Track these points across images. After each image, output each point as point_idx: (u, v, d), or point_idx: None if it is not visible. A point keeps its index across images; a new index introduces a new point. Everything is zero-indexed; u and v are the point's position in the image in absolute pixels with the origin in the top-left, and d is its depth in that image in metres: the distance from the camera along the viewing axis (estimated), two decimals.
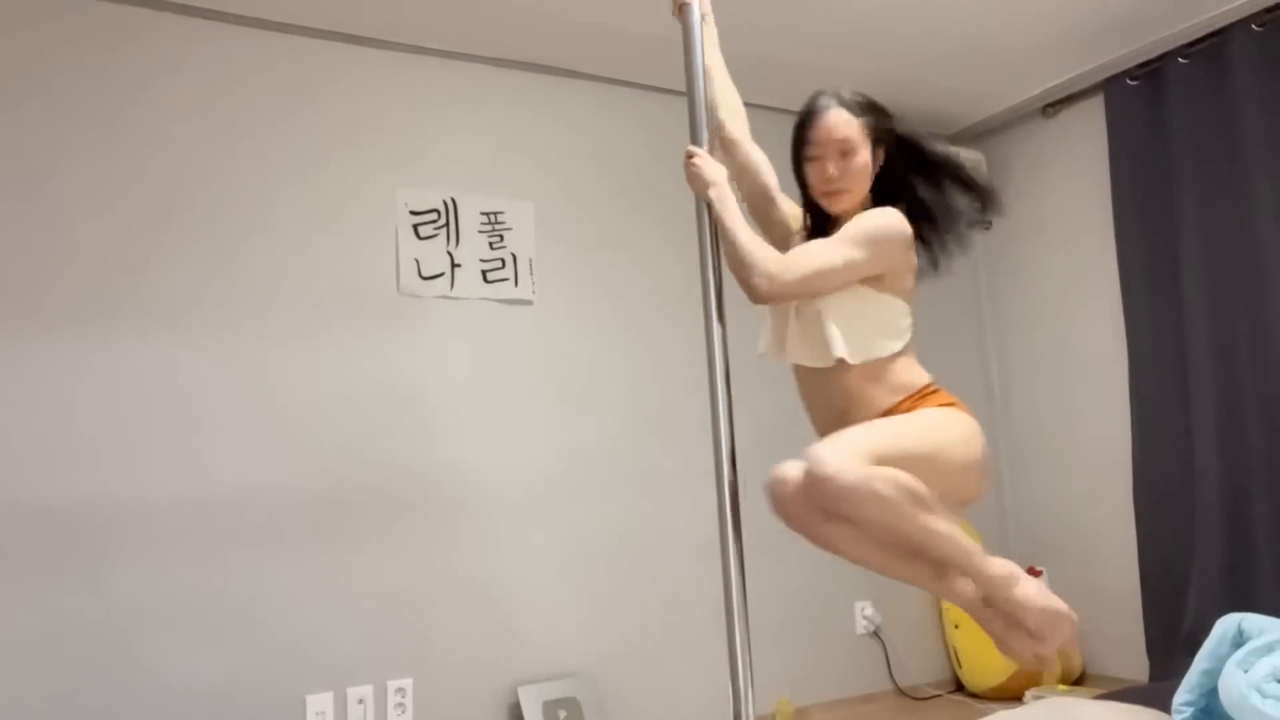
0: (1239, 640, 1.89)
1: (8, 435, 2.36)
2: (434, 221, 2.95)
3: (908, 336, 1.82)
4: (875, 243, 1.70)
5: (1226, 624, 1.94)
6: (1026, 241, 3.89)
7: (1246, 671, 1.78)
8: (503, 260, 3.04)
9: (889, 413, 1.74)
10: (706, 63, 1.89)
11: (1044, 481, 3.80)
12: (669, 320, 3.26)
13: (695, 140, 1.82)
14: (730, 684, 1.73)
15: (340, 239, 2.83)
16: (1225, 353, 3.07)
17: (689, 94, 1.85)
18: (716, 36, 1.97)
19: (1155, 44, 3.24)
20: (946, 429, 1.69)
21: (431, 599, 2.79)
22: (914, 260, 1.81)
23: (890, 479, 1.49)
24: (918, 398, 1.77)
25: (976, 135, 4.01)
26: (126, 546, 2.44)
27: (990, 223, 4.19)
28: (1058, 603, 1.56)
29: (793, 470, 1.61)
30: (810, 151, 1.80)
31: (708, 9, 1.95)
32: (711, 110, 1.91)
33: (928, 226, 1.82)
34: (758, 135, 3.78)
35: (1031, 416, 3.85)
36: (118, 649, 2.40)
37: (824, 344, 1.74)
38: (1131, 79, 3.37)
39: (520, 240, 3.07)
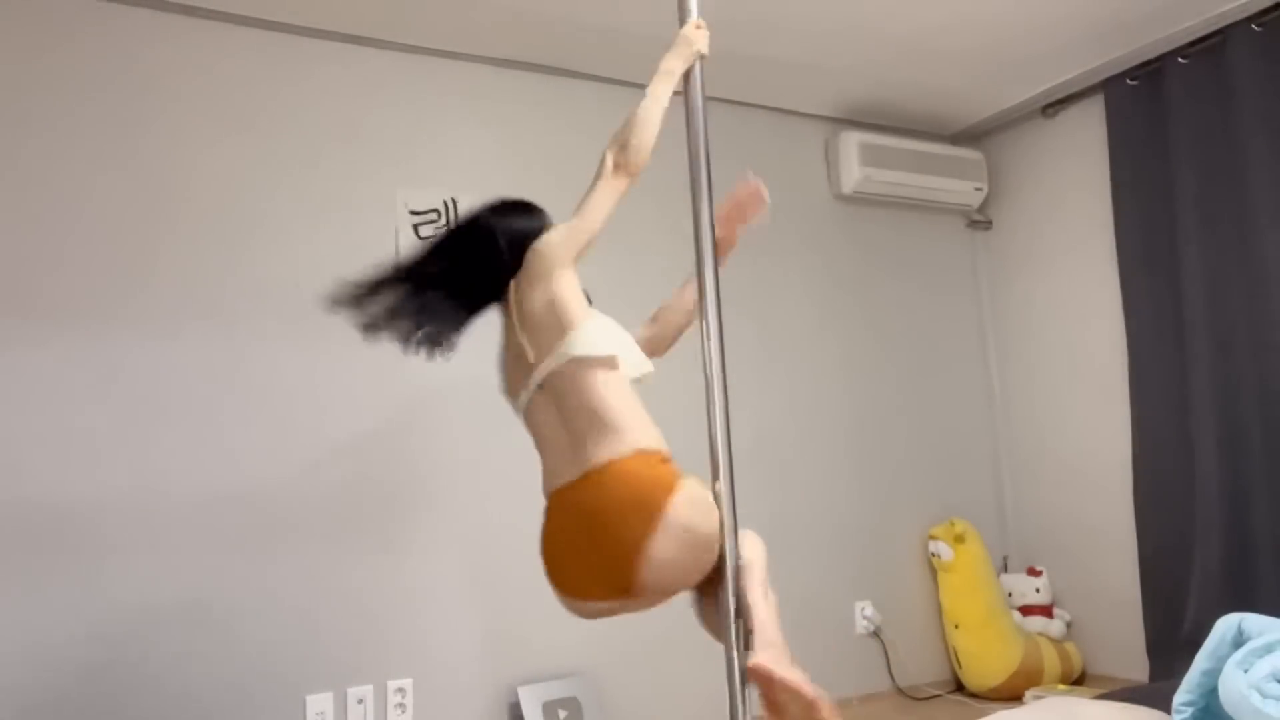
0: (1239, 640, 1.89)
1: (8, 435, 2.36)
2: (434, 221, 2.95)
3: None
4: None
5: (1226, 624, 1.93)
6: (1026, 241, 3.89)
7: (1246, 671, 1.78)
8: None
9: None
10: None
11: (1044, 482, 3.79)
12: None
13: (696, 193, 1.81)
14: (728, 684, 1.73)
15: (340, 239, 2.83)
16: (1225, 353, 3.07)
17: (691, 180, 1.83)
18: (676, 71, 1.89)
19: (1155, 44, 3.24)
20: None
21: (432, 599, 2.79)
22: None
23: None
24: None
25: (976, 135, 4.01)
26: (126, 546, 2.44)
27: (989, 222, 4.22)
28: None
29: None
30: None
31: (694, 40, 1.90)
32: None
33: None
34: (758, 135, 3.77)
35: (1032, 417, 3.85)
36: (117, 649, 2.40)
37: None
38: (1131, 79, 3.37)
39: None
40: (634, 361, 1.81)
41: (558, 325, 1.72)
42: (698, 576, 1.68)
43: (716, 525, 1.65)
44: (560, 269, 1.76)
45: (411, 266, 1.85)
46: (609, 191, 1.80)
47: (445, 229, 1.93)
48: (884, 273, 3.82)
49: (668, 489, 1.62)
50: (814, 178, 3.72)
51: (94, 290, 2.50)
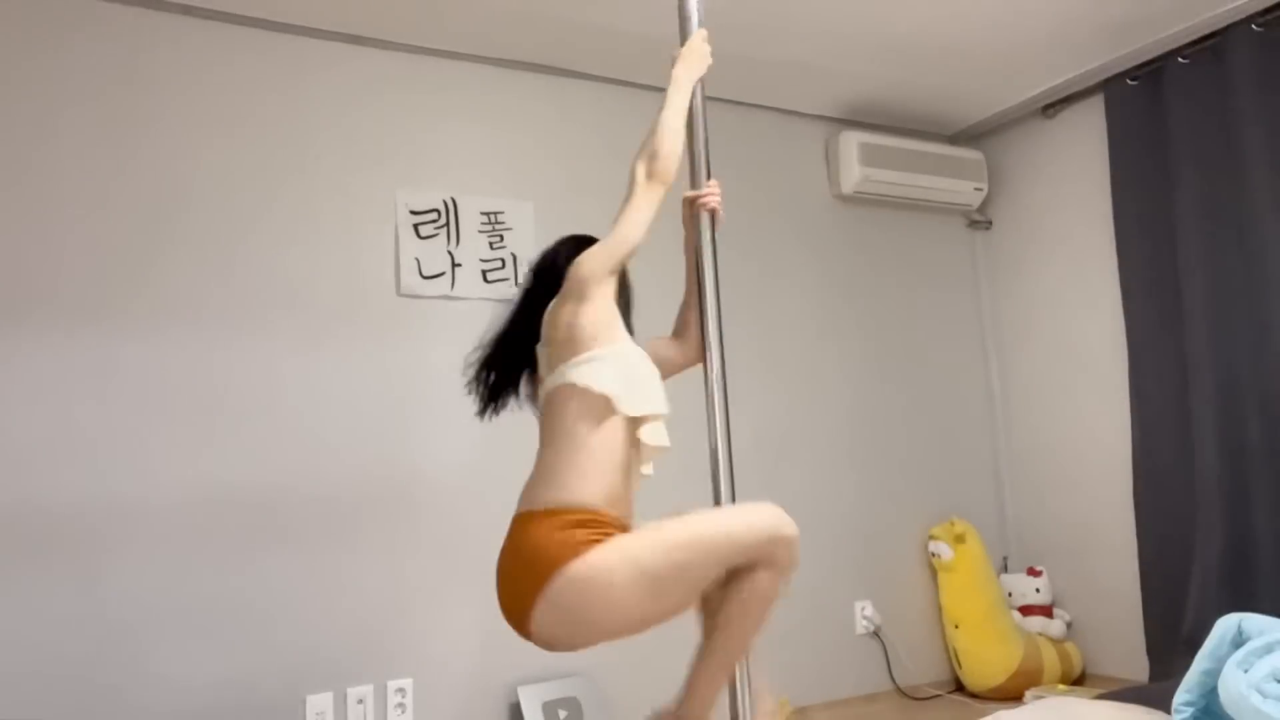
0: (1239, 640, 1.89)
1: (8, 435, 2.36)
2: (434, 221, 2.95)
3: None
4: None
5: (1226, 624, 1.94)
6: (1026, 241, 3.89)
7: (1246, 671, 1.78)
8: (503, 260, 3.04)
9: None
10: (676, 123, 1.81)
11: (1044, 482, 3.79)
12: (669, 320, 3.25)
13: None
14: (729, 683, 1.74)
15: (340, 239, 2.83)
16: (1225, 352, 3.07)
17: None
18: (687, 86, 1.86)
19: (1155, 44, 3.24)
20: None
21: (432, 599, 2.79)
22: None
23: None
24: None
25: (976, 135, 4.01)
26: (126, 546, 2.44)
27: (989, 222, 4.22)
28: None
29: None
30: None
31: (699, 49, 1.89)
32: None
33: None
34: (758, 135, 3.76)
35: (1031, 417, 3.85)
36: (117, 649, 2.40)
37: None
38: (1131, 79, 3.37)
39: (520, 240, 3.08)
40: (636, 401, 1.70)
41: (573, 346, 1.69)
42: (603, 640, 1.63)
43: (611, 604, 1.54)
44: (595, 286, 1.71)
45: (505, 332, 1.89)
46: (645, 202, 1.77)
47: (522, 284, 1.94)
48: (884, 273, 3.82)
49: (556, 562, 1.52)
50: (814, 178, 3.72)
51: (94, 290, 2.50)
